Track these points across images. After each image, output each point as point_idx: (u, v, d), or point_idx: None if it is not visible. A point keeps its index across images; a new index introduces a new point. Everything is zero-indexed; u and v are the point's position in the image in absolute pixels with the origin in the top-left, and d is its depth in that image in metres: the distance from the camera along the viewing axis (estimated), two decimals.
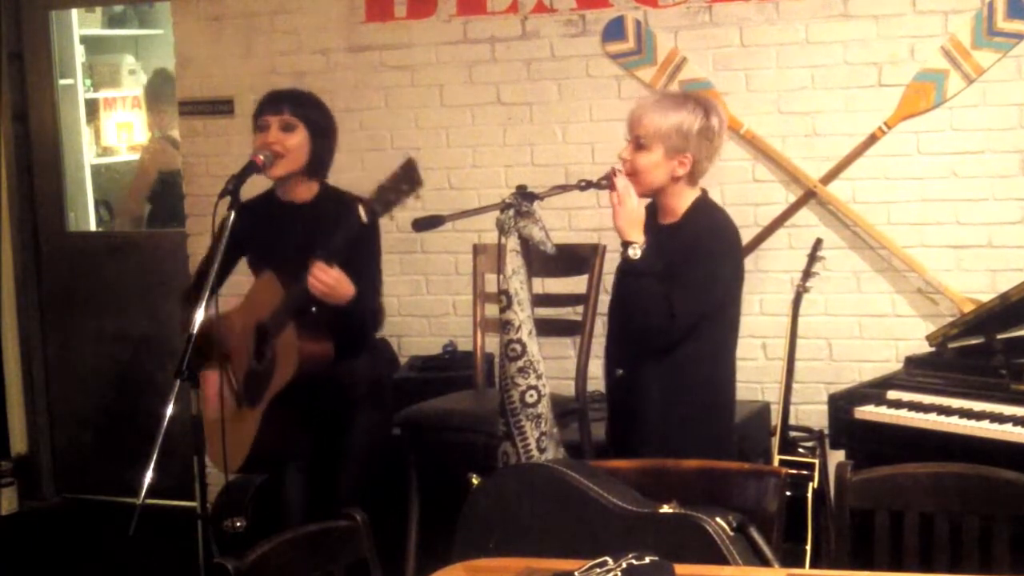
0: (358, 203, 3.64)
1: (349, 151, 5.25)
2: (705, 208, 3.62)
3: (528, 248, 3.70)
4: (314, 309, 3.75)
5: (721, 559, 2.66)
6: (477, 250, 4.89)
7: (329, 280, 3.65)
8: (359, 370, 4.02)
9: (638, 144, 3.55)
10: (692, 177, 3.58)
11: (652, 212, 3.67)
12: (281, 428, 3.88)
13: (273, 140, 3.90)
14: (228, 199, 3.62)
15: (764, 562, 2.72)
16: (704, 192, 3.64)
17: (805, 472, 4.21)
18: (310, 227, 3.87)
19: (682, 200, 3.60)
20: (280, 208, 4.00)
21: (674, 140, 3.51)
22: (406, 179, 3.60)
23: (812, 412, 4.83)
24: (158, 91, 6.74)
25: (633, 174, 3.56)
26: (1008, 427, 3.74)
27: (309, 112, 3.97)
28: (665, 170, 3.54)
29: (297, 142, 3.91)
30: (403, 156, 3.70)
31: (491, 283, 4.71)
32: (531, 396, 3.64)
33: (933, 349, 4.24)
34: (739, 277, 3.65)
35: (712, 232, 3.58)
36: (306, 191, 4.00)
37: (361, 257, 3.85)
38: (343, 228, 3.67)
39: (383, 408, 4.23)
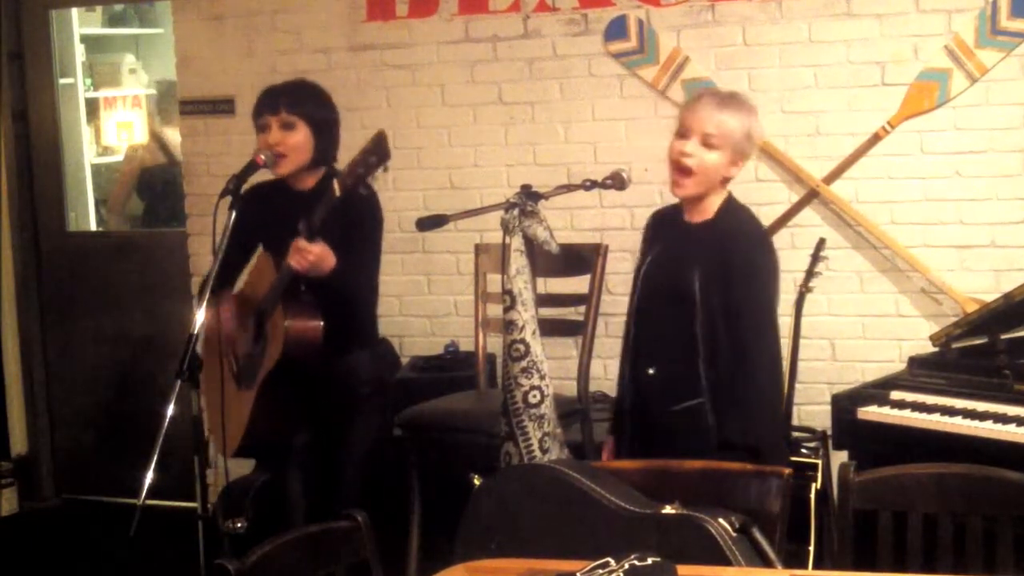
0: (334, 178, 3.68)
1: (350, 150, 5.20)
2: (735, 209, 3.55)
3: (532, 248, 3.70)
4: (303, 287, 3.77)
5: (724, 560, 2.65)
6: (479, 250, 4.89)
7: (309, 255, 3.68)
8: (362, 370, 4.02)
9: (707, 142, 3.45)
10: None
11: (674, 213, 3.65)
12: (274, 412, 3.89)
13: (275, 141, 3.90)
14: (229, 199, 3.63)
15: (767, 563, 2.71)
16: (730, 192, 3.60)
17: (808, 473, 4.20)
18: (306, 212, 3.87)
19: (716, 199, 3.53)
20: (288, 195, 4.01)
21: (742, 144, 3.46)
22: (375, 151, 3.61)
23: (815, 412, 4.81)
24: (163, 96, 6.74)
25: (693, 172, 3.46)
26: (1012, 427, 3.73)
27: (307, 107, 3.97)
28: (724, 172, 3.48)
29: (298, 140, 3.92)
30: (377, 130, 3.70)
31: (493, 283, 4.71)
32: (534, 396, 3.63)
33: (937, 349, 4.23)
34: (777, 267, 3.58)
35: (746, 236, 3.52)
36: (312, 178, 4.01)
37: (352, 236, 3.86)
38: (322, 203, 3.70)
39: (383, 411, 4.23)
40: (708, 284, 3.43)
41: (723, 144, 3.44)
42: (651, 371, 3.57)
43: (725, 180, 3.51)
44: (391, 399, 4.35)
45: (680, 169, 3.47)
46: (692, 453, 3.25)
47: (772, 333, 3.51)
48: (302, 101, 3.98)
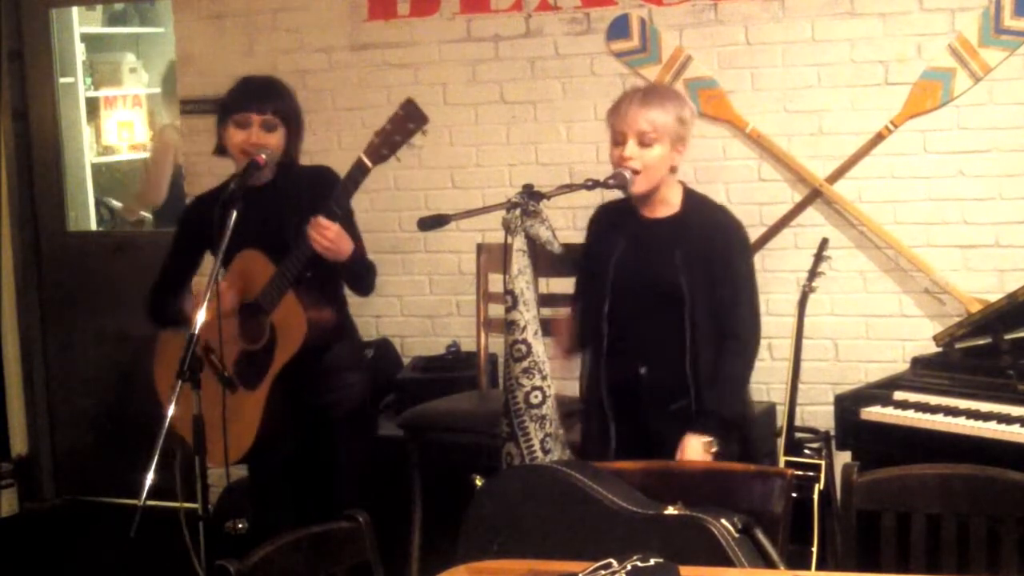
0: (359, 153, 3.65)
1: (352, 150, 5.19)
2: (699, 199, 3.73)
3: (534, 248, 3.69)
4: (309, 275, 3.72)
5: (726, 561, 2.64)
6: (481, 249, 4.88)
7: (331, 235, 3.64)
8: (354, 388, 3.99)
9: (644, 141, 3.56)
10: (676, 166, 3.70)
11: (625, 209, 3.68)
12: (285, 408, 3.84)
13: (257, 141, 3.82)
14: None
15: (770, 564, 2.70)
16: (682, 182, 3.75)
17: (811, 473, 4.19)
18: (274, 206, 3.84)
19: (673, 189, 3.68)
20: (252, 192, 3.86)
21: (677, 130, 3.60)
22: (410, 118, 3.61)
23: (818, 413, 4.80)
24: (170, 87, 6.72)
25: (641, 171, 3.59)
26: (1015, 428, 3.72)
27: (287, 107, 3.93)
28: (668, 162, 3.62)
29: (277, 141, 3.87)
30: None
31: (494, 283, 4.69)
32: (536, 397, 3.62)
33: (940, 350, 4.22)
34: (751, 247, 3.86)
35: (723, 225, 3.69)
36: (266, 173, 3.92)
37: (348, 214, 3.82)
38: (344, 182, 3.68)
39: (367, 432, 4.19)
40: (695, 278, 3.51)
41: (660, 137, 3.58)
42: (642, 371, 3.59)
43: (674, 168, 3.65)
44: (391, 399, 4.33)
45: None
46: None
47: (758, 312, 3.69)
48: (284, 99, 3.93)
